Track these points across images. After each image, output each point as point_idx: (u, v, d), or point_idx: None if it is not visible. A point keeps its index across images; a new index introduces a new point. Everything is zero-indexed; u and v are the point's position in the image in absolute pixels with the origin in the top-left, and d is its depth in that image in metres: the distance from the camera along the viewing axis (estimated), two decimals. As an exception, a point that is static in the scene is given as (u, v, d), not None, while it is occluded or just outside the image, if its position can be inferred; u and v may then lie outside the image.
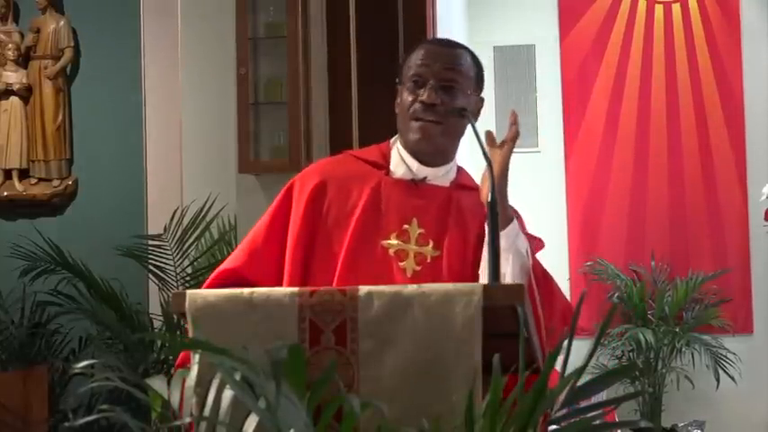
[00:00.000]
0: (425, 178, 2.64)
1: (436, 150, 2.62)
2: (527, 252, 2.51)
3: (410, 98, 2.59)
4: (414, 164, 2.63)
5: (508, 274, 2.45)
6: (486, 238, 2.38)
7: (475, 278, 2.46)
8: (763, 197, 6.97)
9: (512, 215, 2.51)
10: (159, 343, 6.14)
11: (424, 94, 2.56)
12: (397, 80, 2.68)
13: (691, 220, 7.30)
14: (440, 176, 2.65)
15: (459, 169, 2.70)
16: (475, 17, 7.34)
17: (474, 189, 2.62)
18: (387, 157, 2.68)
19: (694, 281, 7.07)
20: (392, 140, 2.72)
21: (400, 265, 2.56)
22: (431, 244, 2.58)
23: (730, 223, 7.29)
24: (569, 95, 7.33)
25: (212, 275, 2.65)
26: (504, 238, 2.42)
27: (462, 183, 2.67)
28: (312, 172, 2.71)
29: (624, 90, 7.42)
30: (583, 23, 7.48)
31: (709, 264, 7.20)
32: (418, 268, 2.56)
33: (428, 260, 2.57)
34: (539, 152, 7.17)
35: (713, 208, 7.30)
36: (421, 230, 2.59)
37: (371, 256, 2.56)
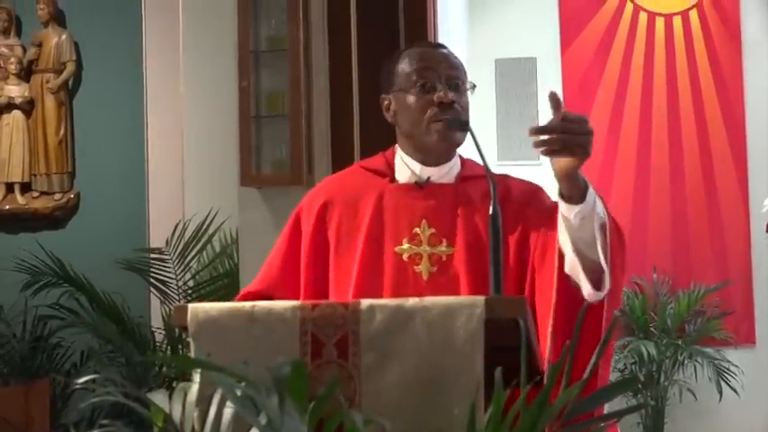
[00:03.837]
0: (429, 179, 2.64)
1: (453, 148, 2.64)
2: (604, 212, 2.45)
3: (421, 103, 2.58)
4: (417, 166, 2.64)
5: (598, 238, 2.39)
6: (490, 247, 2.36)
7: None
8: (765, 209, 6.97)
9: (586, 182, 2.44)
10: (161, 356, 6.14)
11: (440, 95, 2.57)
12: (385, 91, 2.67)
13: (692, 232, 7.30)
14: (444, 174, 2.65)
15: (464, 161, 2.70)
16: (476, 30, 7.35)
17: (482, 176, 2.61)
18: (391, 165, 2.69)
19: (696, 293, 7.06)
20: (395, 147, 2.72)
21: (416, 269, 2.56)
22: (444, 242, 2.57)
23: (732, 235, 7.28)
24: (570, 108, 7.20)
25: (237, 299, 2.65)
26: (587, 205, 2.39)
27: (468, 174, 2.67)
28: (316, 193, 2.73)
29: (625, 102, 7.42)
30: (584, 36, 7.49)
31: (711, 276, 7.19)
32: (434, 269, 2.56)
33: (443, 259, 2.56)
34: (540, 165, 7.17)
35: (715, 220, 7.30)
36: (432, 230, 2.58)
37: (386, 264, 2.57)
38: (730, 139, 7.33)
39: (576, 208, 2.40)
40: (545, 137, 2.34)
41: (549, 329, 2.40)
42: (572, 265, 2.41)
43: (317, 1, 4.94)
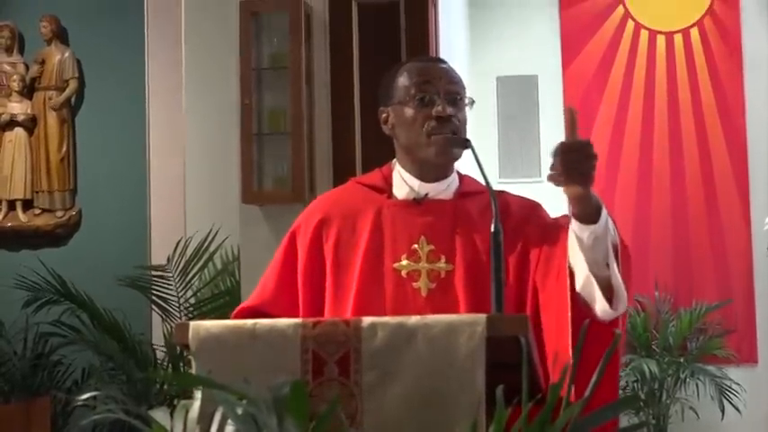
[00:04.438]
0: (427, 195, 2.63)
1: (451, 162, 2.64)
2: (615, 232, 2.45)
3: (420, 116, 2.58)
4: (415, 182, 2.64)
5: (611, 256, 2.39)
6: (492, 265, 2.35)
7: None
8: (767, 227, 6.96)
9: (599, 202, 2.43)
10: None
11: (438, 109, 2.57)
12: (383, 103, 2.66)
13: (694, 249, 7.30)
14: (442, 191, 2.64)
15: (462, 177, 2.70)
16: (477, 48, 7.37)
17: (480, 192, 2.61)
18: (388, 180, 2.68)
19: (698, 311, 7.05)
20: (393, 162, 2.72)
21: (414, 285, 2.55)
22: (443, 259, 2.56)
23: (733, 253, 7.28)
24: (572, 126, 7.33)
25: (233, 314, 2.66)
26: (600, 226, 2.39)
27: (466, 190, 2.66)
28: (312, 211, 2.72)
29: (627, 120, 7.43)
30: (585, 54, 7.50)
31: (713, 294, 7.18)
32: (433, 285, 2.55)
33: (442, 275, 2.55)
34: (542, 182, 7.17)
35: (716, 238, 7.29)
36: (431, 247, 2.57)
37: (385, 281, 2.56)
38: (732, 156, 7.34)
39: (590, 228, 2.39)
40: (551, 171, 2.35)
41: (570, 351, 2.36)
42: (585, 284, 2.40)
43: (318, 19, 4.95)
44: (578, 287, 2.41)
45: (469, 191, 2.66)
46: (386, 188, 2.67)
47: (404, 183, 2.65)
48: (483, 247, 2.55)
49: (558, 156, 2.34)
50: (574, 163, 2.34)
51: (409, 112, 2.60)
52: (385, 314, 2.47)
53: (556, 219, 2.57)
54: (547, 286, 2.48)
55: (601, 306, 2.39)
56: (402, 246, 2.58)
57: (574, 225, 2.42)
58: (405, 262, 2.57)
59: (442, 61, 2.75)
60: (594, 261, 2.39)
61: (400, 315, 2.33)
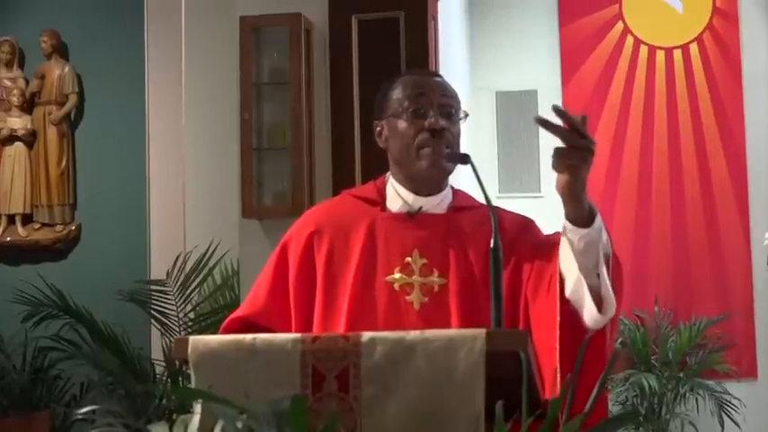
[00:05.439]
0: (421, 209, 2.62)
1: (443, 176, 2.63)
2: (608, 242, 2.42)
3: (412, 128, 2.57)
4: (409, 196, 2.62)
5: (602, 264, 2.37)
6: (491, 279, 2.34)
7: (486, 297, 2.36)
8: (766, 242, 6.97)
9: (594, 209, 2.40)
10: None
11: (432, 121, 2.55)
12: (378, 117, 2.66)
13: (694, 264, 7.30)
14: (436, 205, 2.63)
15: (456, 192, 2.69)
16: (477, 62, 7.38)
17: (474, 207, 2.61)
18: (382, 193, 2.67)
19: (698, 325, 7.05)
20: (387, 175, 2.71)
21: (407, 299, 2.54)
22: (435, 273, 2.55)
23: (733, 267, 7.28)
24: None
25: (223, 324, 2.66)
26: (594, 231, 2.36)
27: (459, 205, 2.65)
28: (304, 222, 2.70)
29: (626, 135, 7.45)
30: (585, 69, 7.52)
31: (713, 308, 7.19)
32: (426, 299, 2.53)
33: (435, 289, 2.54)
34: (542, 197, 7.18)
35: (716, 252, 7.30)
36: (424, 261, 2.56)
37: (377, 294, 2.55)
38: (731, 170, 7.35)
39: (582, 231, 2.36)
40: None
41: (557, 363, 2.36)
42: (575, 288, 2.38)
43: (318, 34, 4.97)
44: (568, 292, 2.39)
45: (463, 205, 2.65)
46: (379, 201, 2.66)
47: (397, 196, 2.65)
48: (476, 262, 2.54)
49: (562, 137, 2.33)
50: (570, 145, 2.34)
51: (402, 124, 2.59)
52: (377, 327, 2.47)
53: (549, 235, 2.56)
54: (538, 300, 2.46)
55: (589, 311, 2.36)
56: (395, 259, 2.57)
57: (567, 227, 2.39)
58: (397, 275, 2.56)
59: (437, 74, 2.74)
60: (585, 267, 2.37)
61: (392, 328, 2.33)
